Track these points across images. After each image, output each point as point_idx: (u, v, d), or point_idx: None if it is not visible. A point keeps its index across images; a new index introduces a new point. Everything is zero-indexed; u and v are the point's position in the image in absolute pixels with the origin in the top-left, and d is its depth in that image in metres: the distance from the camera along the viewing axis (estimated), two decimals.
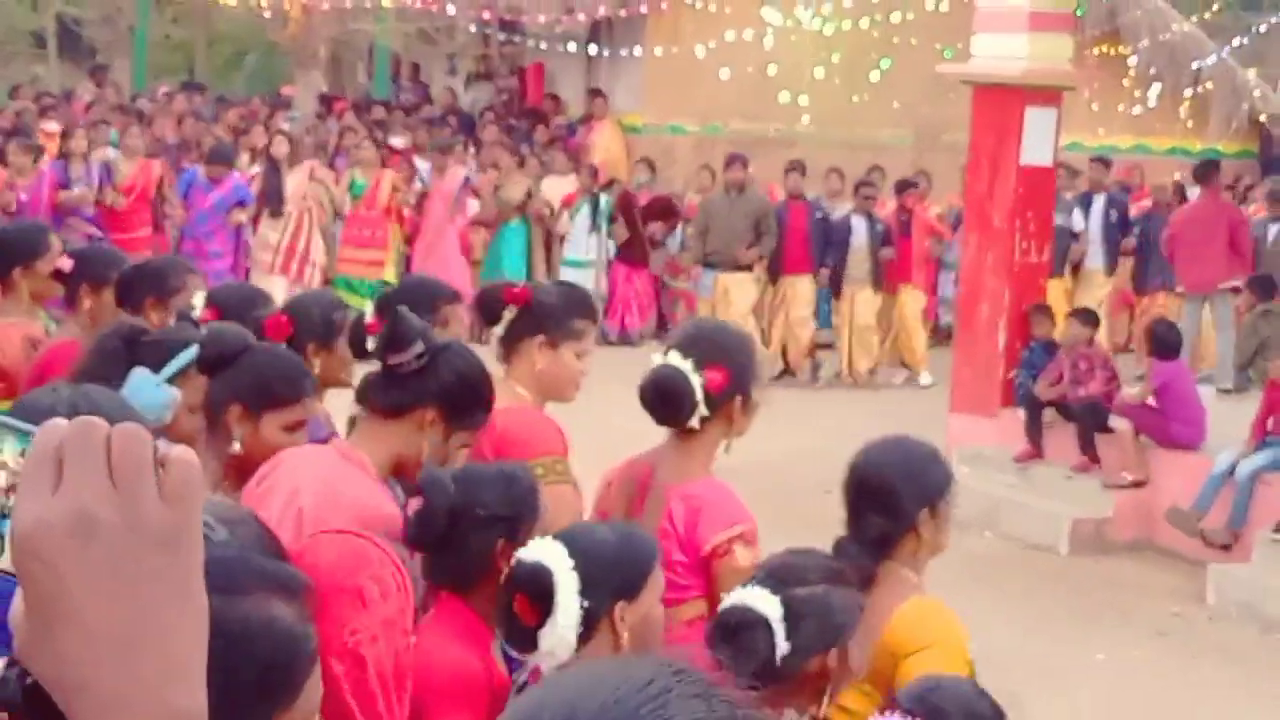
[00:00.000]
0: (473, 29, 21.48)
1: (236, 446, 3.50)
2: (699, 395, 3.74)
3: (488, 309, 4.22)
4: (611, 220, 16.46)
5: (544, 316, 4.14)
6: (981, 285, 11.75)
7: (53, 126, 15.97)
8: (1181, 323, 12.48)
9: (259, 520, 1.94)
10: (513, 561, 2.99)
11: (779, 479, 9.84)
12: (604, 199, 16.43)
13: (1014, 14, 11.48)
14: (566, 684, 1.07)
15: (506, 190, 16.29)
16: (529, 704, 1.07)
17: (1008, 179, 11.54)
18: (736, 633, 3.07)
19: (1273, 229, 14.12)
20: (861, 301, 14.92)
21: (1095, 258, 14.87)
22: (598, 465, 4.20)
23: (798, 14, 18.56)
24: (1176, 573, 9.78)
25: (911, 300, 15.20)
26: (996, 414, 11.48)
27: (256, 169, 15.59)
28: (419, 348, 3.32)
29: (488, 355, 3.83)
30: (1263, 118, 19.88)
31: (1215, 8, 22.15)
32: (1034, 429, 10.96)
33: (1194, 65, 19.25)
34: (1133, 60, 19.07)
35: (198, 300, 4.55)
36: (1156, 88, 19.29)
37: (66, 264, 5.24)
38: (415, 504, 3.13)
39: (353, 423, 3.58)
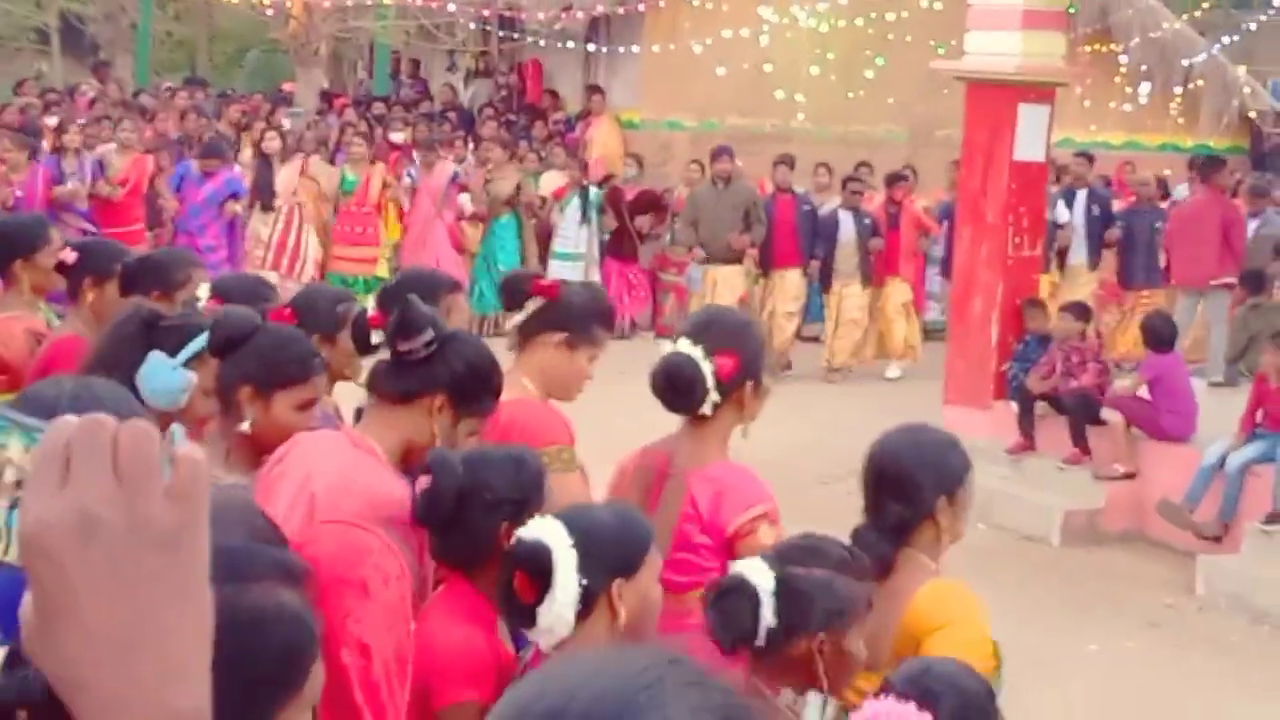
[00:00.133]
0: (473, 26, 21.51)
1: (246, 426, 3.50)
2: (710, 382, 3.76)
3: (511, 295, 4.22)
4: (601, 214, 16.50)
5: (570, 317, 4.14)
6: (975, 279, 11.81)
7: (51, 122, 15.99)
8: (1175, 317, 12.54)
9: (258, 509, 1.98)
10: (512, 539, 3.01)
11: (775, 471, 9.73)
12: (594, 192, 16.41)
13: (1007, 12, 11.53)
14: (564, 671, 1.07)
15: (496, 185, 16.27)
16: (527, 691, 1.07)
17: (1001, 174, 11.60)
18: (724, 596, 3.10)
19: (1252, 224, 14.22)
20: (849, 296, 14.96)
21: (1079, 252, 14.91)
22: (599, 456, 4.24)
23: (794, 11, 18.58)
24: (1167, 564, 9.84)
25: (896, 293, 15.21)
26: (990, 406, 11.54)
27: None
28: (429, 335, 3.33)
29: (492, 346, 3.89)
30: (1253, 114, 19.97)
31: (1205, 6, 22.27)
32: (1026, 421, 11.02)
33: (1184, 62, 19.30)
34: (1124, 57, 19.11)
35: (202, 291, 4.55)
36: (1147, 85, 19.34)
37: (71, 256, 5.17)
38: (424, 482, 3.15)
39: (359, 416, 3.57)
